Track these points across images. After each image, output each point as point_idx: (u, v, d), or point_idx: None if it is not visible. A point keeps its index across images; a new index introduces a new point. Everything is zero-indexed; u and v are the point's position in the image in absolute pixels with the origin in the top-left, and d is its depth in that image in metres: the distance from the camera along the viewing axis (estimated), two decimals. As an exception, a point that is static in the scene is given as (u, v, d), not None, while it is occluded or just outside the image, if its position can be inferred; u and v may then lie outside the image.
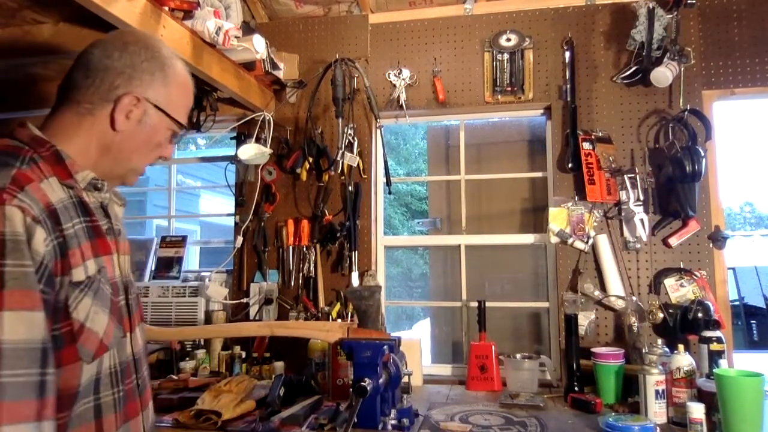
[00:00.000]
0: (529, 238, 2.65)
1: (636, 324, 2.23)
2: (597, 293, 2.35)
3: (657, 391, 1.84)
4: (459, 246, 2.73)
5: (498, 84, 2.59)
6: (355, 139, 2.64)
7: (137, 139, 1.01)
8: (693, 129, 2.32)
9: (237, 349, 2.53)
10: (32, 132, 0.93)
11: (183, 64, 1.09)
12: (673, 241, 2.32)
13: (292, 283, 2.65)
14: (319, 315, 2.55)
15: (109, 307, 0.92)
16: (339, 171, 2.61)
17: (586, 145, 2.40)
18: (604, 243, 2.37)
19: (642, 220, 2.33)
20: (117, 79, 0.98)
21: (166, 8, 1.85)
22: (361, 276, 2.60)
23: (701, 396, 1.75)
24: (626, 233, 2.37)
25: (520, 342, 2.71)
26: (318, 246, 2.64)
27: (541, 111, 2.65)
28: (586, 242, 2.38)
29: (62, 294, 0.84)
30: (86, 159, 0.97)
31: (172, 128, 1.05)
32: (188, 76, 1.09)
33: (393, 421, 1.72)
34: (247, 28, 2.50)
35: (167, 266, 2.84)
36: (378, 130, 2.70)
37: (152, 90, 1.01)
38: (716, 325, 2.03)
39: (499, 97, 2.59)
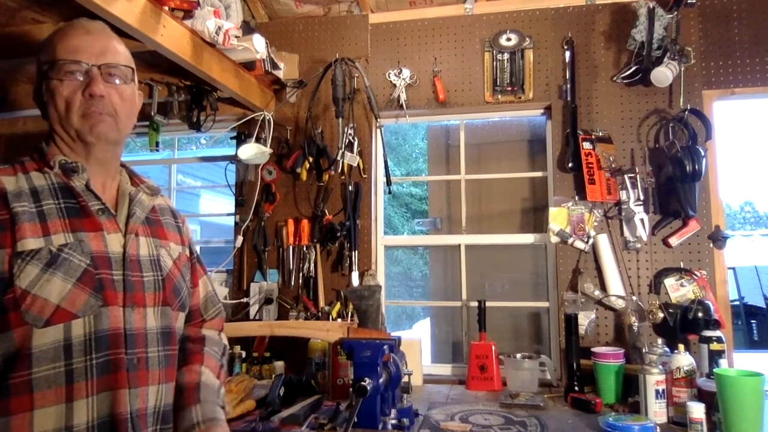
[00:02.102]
0: (529, 238, 2.65)
1: (636, 324, 2.23)
2: (597, 293, 2.35)
3: (657, 391, 1.84)
4: (459, 246, 2.73)
5: (498, 84, 2.59)
6: (355, 138, 2.64)
7: (49, 109, 1.08)
8: (693, 129, 2.32)
9: (237, 348, 2.52)
10: (39, 143, 1.12)
11: (69, 23, 1.12)
12: (674, 240, 2.32)
13: (292, 283, 2.65)
14: (319, 315, 2.55)
15: (78, 277, 0.98)
16: (339, 171, 2.62)
17: (587, 145, 2.40)
18: (604, 243, 2.37)
19: (642, 220, 2.33)
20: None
21: (166, 8, 1.85)
22: (361, 276, 2.60)
23: (701, 396, 1.75)
24: (626, 233, 2.37)
25: (520, 342, 2.71)
26: (318, 246, 2.64)
27: (541, 111, 2.65)
28: (586, 242, 2.38)
29: (4, 266, 0.95)
30: (60, 147, 1.09)
31: (57, 73, 1.06)
32: (68, 25, 1.12)
33: (393, 421, 1.72)
34: (247, 28, 2.50)
35: (167, 266, 2.84)
36: (378, 130, 2.70)
37: (37, 71, 1.10)
38: (716, 324, 2.03)
39: (499, 96, 2.60)
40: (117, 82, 1.11)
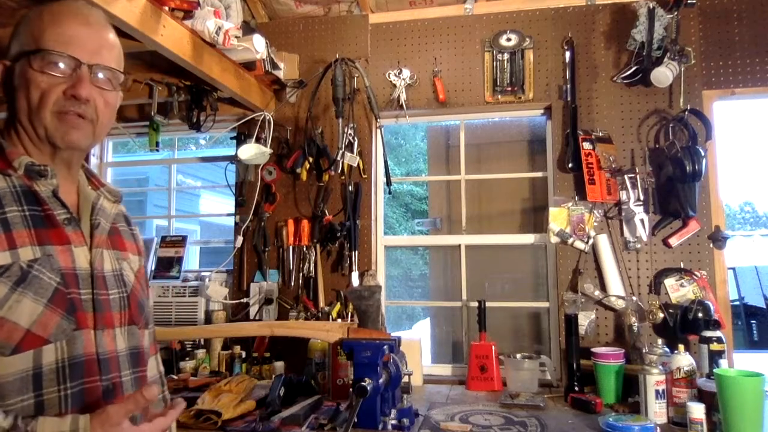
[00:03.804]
0: (529, 238, 2.65)
1: (636, 324, 2.23)
2: (597, 293, 2.35)
3: (657, 391, 1.84)
4: (459, 246, 2.73)
5: (498, 84, 2.59)
6: (355, 139, 2.64)
7: (18, 96, 0.95)
8: (693, 129, 2.31)
9: (237, 349, 2.53)
10: None
11: (59, 2, 1.00)
12: (674, 241, 2.32)
13: (292, 283, 2.65)
14: (319, 315, 2.55)
15: (49, 297, 0.87)
16: (339, 171, 2.61)
17: (587, 145, 2.40)
18: (604, 243, 2.36)
19: (642, 220, 2.33)
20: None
21: (166, 8, 1.85)
22: (361, 276, 2.60)
23: (701, 396, 1.75)
24: (626, 233, 2.37)
25: (520, 342, 2.71)
26: (318, 246, 2.64)
27: (542, 111, 2.65)
28: (586, 242, 2.38)
29: None
30: (23, 143, 0.97)
31: (40, 62, 0.93)
32: (60, 6, 0.98)
33: (393, 421, 1.72)
34: (247, 28, 2.50)
35: (167, 266, 2.84)
36: (378, 130, 2.70)
37: (11, 48, 0.98)
38: (716, 325, 2.03)
39: (500, 97, 2.59)
40: (105, 87, 0.99)
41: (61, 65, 0.94)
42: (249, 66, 2.43)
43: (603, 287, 2.36)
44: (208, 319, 2.69)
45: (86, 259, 0.96)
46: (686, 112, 2.32)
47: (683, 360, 1.84)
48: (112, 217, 1.06)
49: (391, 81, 2.69)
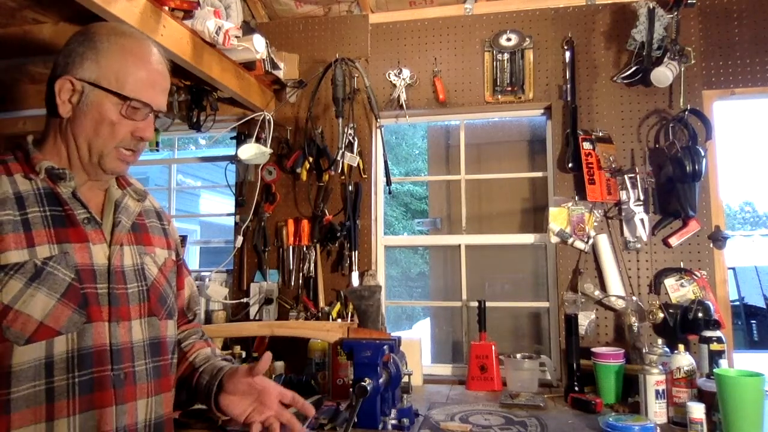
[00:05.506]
0: (529, 238, 2.65)
1: (636, 324, 2.23)
2: (597, 293, 2.35)
3: (657, 391, 1.84)
4: (459, 246, 2.73)
5: (498, 84, 2.59)
6: (355, 138, 2.64)
7: (84, 121, 1.02)
8: (693, 129, 2.31)
9: (237, 349, 2.52)
10: (21, 140, 1.06)
11: (136, 39, 1.07)
12: (674, 241, 2.32)
13: (292, 283, 2.65)
14: (319, 315, 2.55)
15: (62, 292, 0.94)
16: (339, 171, 2.61)
17: (587, 145, 2.40)
18: (604, 243, 2.36)
19: (642, 220, 2.33)
20: (57, 70, 1.03)
21: (166, 8, 1.85)
22: (361, 276, 2.60)
23: (701, 396, 1.75)
24: (626, 233, 2.37)
25: (520, 342, 2.71)
26: (318, 246, 2.64)
27: (542, 111, 2.65)
28: (586, 242, 2.38)
29: None
30: (58, 153, 1.04)
31: (125, 109, 1.02)
32: (140, 47, 1.06)
33: (393, 421, 1.72)
34: (247, 28, 2.49)
35: (167, 266, 2.84)
36: (378, 130, 2.70)
37: (84, 69, 1.01)
38: (716, 325, 2.03)
39: (500, 96, 2.59)
40: (156, 124, 1.09)
41: (141, 113, 1.04)
42: (249, 66, 2.43)
43: (603, 287, 2.36)
44: (208, 319, 2.69)
45: (105, 255, 1.03)
46: (686, 112, 2.32)
47: (683, 360, 1.84)
48: (135, 215, 1.12)
49: (391, 81, 2.69)
